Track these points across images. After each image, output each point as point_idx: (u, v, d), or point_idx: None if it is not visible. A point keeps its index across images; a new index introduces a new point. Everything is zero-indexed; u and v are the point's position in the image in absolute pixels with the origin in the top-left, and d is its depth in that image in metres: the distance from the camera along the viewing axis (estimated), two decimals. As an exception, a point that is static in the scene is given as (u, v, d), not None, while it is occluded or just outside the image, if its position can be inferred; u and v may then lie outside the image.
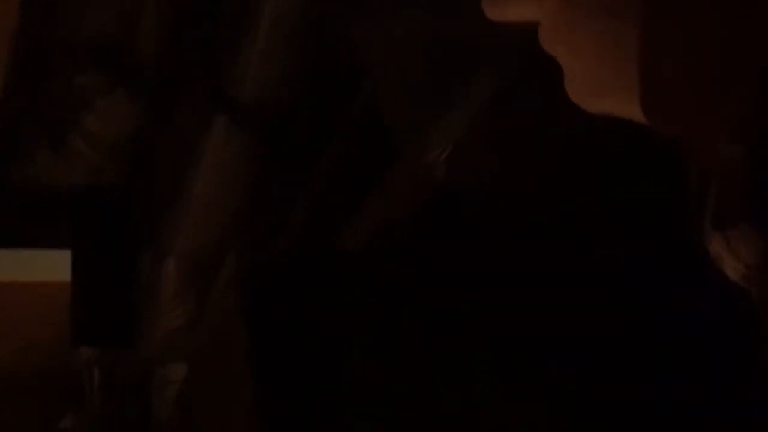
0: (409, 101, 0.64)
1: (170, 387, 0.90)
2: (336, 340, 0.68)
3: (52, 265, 1.00)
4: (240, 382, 0.78)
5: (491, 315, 0.59)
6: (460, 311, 0.60)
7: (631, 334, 0.55)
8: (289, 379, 0.74)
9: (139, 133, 0.96)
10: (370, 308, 0.66)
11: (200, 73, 0.92)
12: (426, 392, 0.63)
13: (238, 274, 0.88)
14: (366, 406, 0.66)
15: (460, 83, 0.60)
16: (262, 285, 0.82)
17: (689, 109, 0.33)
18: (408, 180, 0.65)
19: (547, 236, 0.58)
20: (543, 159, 0.59)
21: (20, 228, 0.97)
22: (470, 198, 0.61)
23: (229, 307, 0.86)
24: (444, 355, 0.61)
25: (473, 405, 0.60)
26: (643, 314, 0.54)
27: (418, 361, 0.63)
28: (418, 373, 0.63)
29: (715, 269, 0.36)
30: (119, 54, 0.98)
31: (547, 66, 0.42)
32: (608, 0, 0.37)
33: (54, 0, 0.94)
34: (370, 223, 0.71)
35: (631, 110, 0.35)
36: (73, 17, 0.96)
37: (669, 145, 0.36)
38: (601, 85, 0.38)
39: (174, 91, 0.97)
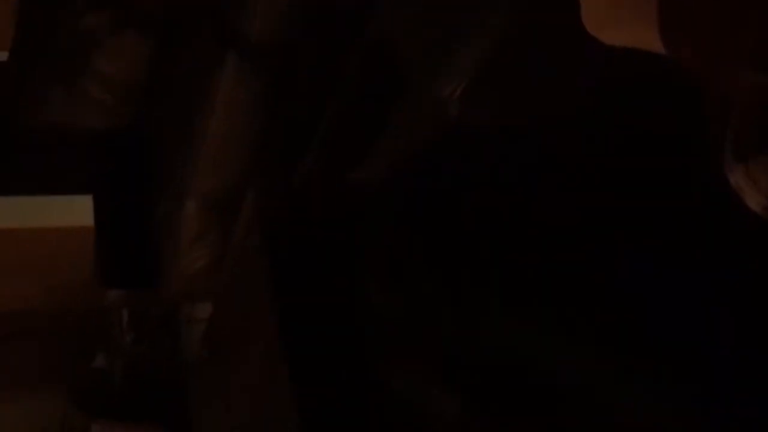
0: (421, 37, 0.63)
1: (196, 325, 0.91)
2: (352, 270, 0.68)
3: (78, 210, 1.01)
4: (263, 318, 0.79)
5: (502, 246, 0.59)
6: (471, 243, 0.60)
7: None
8: (308, 312, 0.75)
9: (150, 72, 0.95)
10: (386, 238, 0.66)
11: (209, 11, 0.90)
12: (438, 317, 0.63)
13: (258, 211, 0.88)
14: (382, 334, 0.67)
15: (473, 20, 0.58)
16: (282, 220, 0.83)
17: (710, 37, 0.32)
18: (421, 116, 0.64)
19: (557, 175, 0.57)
20: (555, 99, 0.58)
21: (42, 174, 0.98)
22: (483, 133, 0.60)
23: (250, 244, 0.86)
24: (455, 281, 0.61)
25: (482, 328, 0.60)
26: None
27: (431, 290, 0.63)
28: (431, 300, 0.63)
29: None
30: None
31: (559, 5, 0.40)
32: None
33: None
34: (383, 157, 0.70)
35: (649, 40, 0.34)
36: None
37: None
38: (618, 15, 0.37)
39: (184, 29, 0.96)
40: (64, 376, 1.07)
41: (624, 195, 0.55)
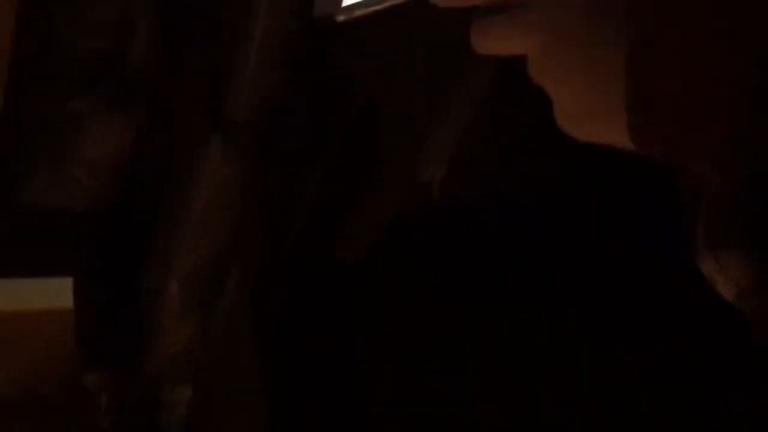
0: (402, 119, 0.64)
1: (178, 408, 0.90)
2: (346, 343, 0.68)
3: (56, 293, 1.00)
4: (249, 400, 0.78)
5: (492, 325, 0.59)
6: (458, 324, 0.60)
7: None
8: (299, 394, 0.74)
9: (135, 154, 0.96)
10: (377, 314, 0.66)
11: (194, 93, 0.92)
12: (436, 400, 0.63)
13: (243, 289, 0.88)
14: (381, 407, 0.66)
15: (451, 100, 0.60)
16: (268, 298, 0.83)
17: (678, 134, 0.33)
18: (403, 197, 0.65)
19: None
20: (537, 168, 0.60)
21: (21, 256, 0.98)
22: (465, 213, 0.61)
23: (235, 323, 0.86)
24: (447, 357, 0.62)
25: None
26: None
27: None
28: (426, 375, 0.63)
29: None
30: (112, 76, 0.98)
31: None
32: (596, 30, 0.37)
33: (47, 23, 0.95)
34: (365, 234, 0.71)
35: (620, 138, 0.36)
36: (66, 40, 0.96)
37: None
38: (590, 113, 0.38)
39: (169, 111, 0.97)
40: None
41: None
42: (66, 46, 0.96)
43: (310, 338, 0.73)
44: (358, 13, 0.52)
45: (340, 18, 0.53)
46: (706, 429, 0.50)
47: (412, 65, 0.59)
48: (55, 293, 0.98)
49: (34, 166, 0.96)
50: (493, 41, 0.42)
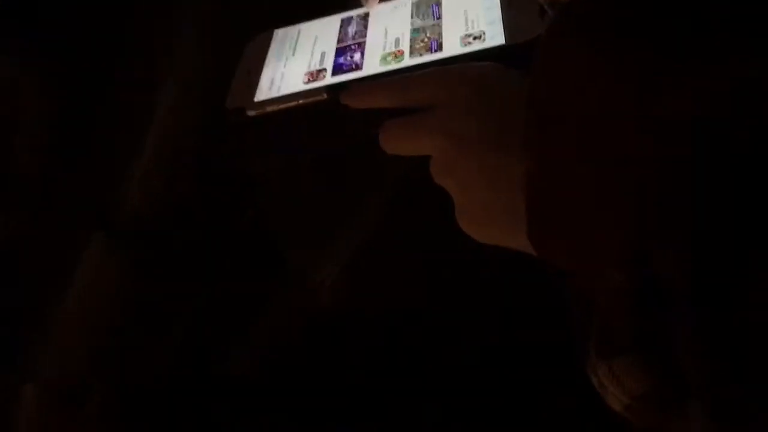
0: (296, 224, 0.64)
1: None
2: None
3: None
4: None
5: None
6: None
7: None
8: None
9: (6, 247, 0.91)
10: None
11: (82, 188, 0.89)
12: None
13: (107, 406, 0.82)
14: None
15: (347, 209, 0.60)
16: (138, 417, 0.77)
17: (574, 239, 0.33)
18: (293, 305, 0.63)
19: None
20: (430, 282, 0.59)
21: None
22: (353, 321, 0.60)
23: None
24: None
25: None
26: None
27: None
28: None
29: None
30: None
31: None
32: (494, 136, 0.38)
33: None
34: (252, 348, 0.68)
35: (518, 241, 0.36)
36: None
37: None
38: (490, 217, 0.39)
39: (53, 206, 0.93)
40: None
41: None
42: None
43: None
44: (270, 109, 0.52)
45: (251, 113, 0.53)
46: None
47: (316, 167, 0.59)
48: None
49: None
50: (400, 142, 0.43)
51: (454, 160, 0.40)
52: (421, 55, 0.50)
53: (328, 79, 0.52)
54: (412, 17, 0.55)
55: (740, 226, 0.27)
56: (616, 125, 0.32)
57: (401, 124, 0.43)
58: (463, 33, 0.51)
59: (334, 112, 0.49)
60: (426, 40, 0.52)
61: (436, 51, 0.50)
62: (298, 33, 0.58)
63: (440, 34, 0.52)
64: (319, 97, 0.51)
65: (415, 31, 0.53)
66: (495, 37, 0.49)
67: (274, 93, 0.53)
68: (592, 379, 0.35)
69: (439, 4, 0.54)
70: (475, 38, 0.50)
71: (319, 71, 0.53)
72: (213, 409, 0.67)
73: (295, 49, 0.56)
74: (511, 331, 0.55)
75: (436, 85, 0.43)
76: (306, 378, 0.60)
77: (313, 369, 0.61)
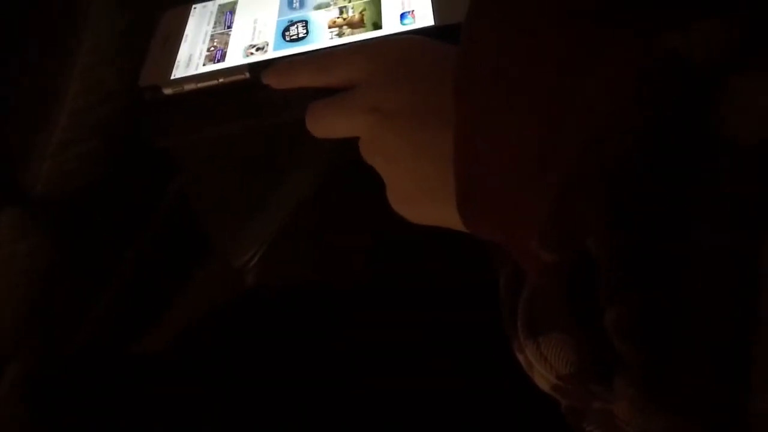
0: (219, 204, 0.62)
1: None
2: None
3: None
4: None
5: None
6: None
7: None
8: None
9: None
10: (174, 417, 0.62)
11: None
12: None
13: (23, 383, 0.80)
14: None
15: (271, 188, 0.59)
16: (50, 394, 0.75)
17: (503, 214, 0.33)
18: (217, 284, 0.62)
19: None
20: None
21: None
22: (279, 300, 0.59)
23: (10, 419, 0.77)
24: None
25: None
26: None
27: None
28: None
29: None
30: None
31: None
32: (421, 109, 0.38)
33: None
34: (174, 325, 0.67)
35: (450, 218, 0.36)
36: None
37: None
38: (421, 193, 0.38)
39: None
40: None
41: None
42: None
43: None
44: (188, 87, 0.50)
45: (167, 91, 0.51)
46: None
47: (238, 147, 0.58)
48: None
49: None
50: (326, 123, 0.43)
51: (381, 136, 0.40)
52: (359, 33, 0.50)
53: (269, 54, 0.50)
54: None
55: (676, 203, 0.27)
56: (546, 90, 0.32)
57: (326, 105, 0.42)
58: (399, 11, 0.51)
59: (257, 92, 0.48)
60: (361, 15, 0.51)
61: (376, 30, 0.50)
62: (235, 5, 0.56)
63: (380, 13, 0.51)
64: (240, 76, 0.50)
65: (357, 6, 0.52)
66: (425, 17, 0.49)
67: (192, 70, 0.51)
68: (519, 358, 0.35)
69: None
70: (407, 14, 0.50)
71: (260, 47, 0.52)
72: (127, 389, 0.65)
73: (231, 21, 0.54)
74: (431, 310, 0.56)
75: (361, 60, 0.42)
76: (227, 358, 0.60)
77: (234, 349, 0.60)
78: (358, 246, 0.56)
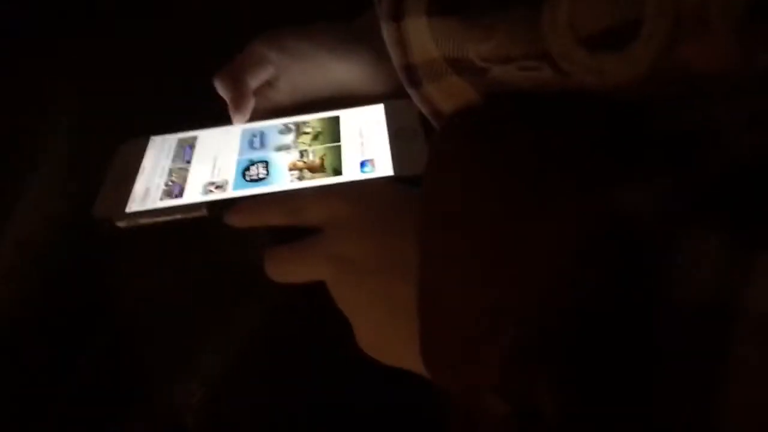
0: (162, 340, 0.60)
1: None
2: None
3: None
4: None
5: None
6: None
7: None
8: None
9: None
10: None
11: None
12: None
13: None
14: None
15: (216, 328, 0.58)
16: None
17: (459, 361, 0.33)
18: (153, 421, 0.59)
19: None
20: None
21: None
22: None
23: None
24: None
25: None
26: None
27: None
28: None
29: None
30: None
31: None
32: (385, 266, 0.38)
33: None
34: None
35: (414, 364, 0.36)
36: None
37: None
38: (387, 342, 0.38)
39: None
40: None
41: None
42: None
43: None
44: (143, 221, 0.50)
45: (121, 224, 0.50)
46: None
47: (188, 283, 0.57)
48: None
49: None
50: (287, 270, 0.42)
51: (345, 285, 0.40)
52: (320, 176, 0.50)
53: (229, 192, 0.51)
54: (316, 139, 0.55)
55: (618, 366, 0.28)
56: (500, 243, 0.32)
57: (288, 251, 0.42)
58: (360, 159, 0.52)
59: (214, 230, 0.47)
60: (321, 161, 0.52)
61: (336, 176, 0.50)
62: (195, 140, 0.56)
63: (340, 159, 0.52)
64: (198, 213, 0.50)
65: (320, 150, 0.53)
66: (385, 167, 0.50)
67: (149, 204, 0.51)
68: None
69: (338, 128, 0.55)
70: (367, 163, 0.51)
71: (219, 185, 0.52)
72: None
73: (191, 156, 0.54)
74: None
75: (329, 205, 0.42)
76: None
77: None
78: (313, 381, 0.55)
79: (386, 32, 0.40)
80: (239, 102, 0.54)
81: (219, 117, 0.56)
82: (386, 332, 0.38)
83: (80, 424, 0.67)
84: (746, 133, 0.31)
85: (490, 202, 0.33)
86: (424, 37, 0.38)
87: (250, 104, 0.55)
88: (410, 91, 0.41)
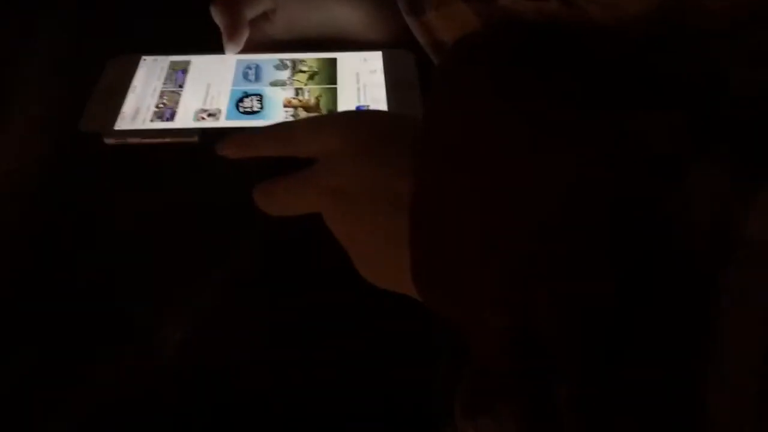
0: (144, 273, 0.59)
1: None
2: None
3: None
4: None
5: None
6: None
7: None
8: None
9: None
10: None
11: None
12: None
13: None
14: None
15: (204, 259, 0.57)
16: None
17: (457, 288, 0.33)
18: (138, 358, 0.58)
19: None
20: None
21: None
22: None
23: None
24: None
25: None
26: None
27: None
28: None
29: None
30: None
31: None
32: (380, 198, 0.38)
33: None
34: (82, 410, 0.62)
35: (412, 289, 0.36)
36: None
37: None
38: (382, 266, 0.39)
39: None
40: None
41: None
42: None
43: None
44: (131, 140, 0.49)
45: (109, 141, 0.49)
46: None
47: (175, 215, 0.56)
48: None
49: None
50: (282, 203, 0.42)
51: (342, 216, 0.40)
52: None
53: (222, 122, 0.50)
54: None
55: (623, 286, 0.28)
56: (508, 165, 0.32)
57: (281, 184, 0.42)
58: (355, 103, 0.52)
59: (205, 156, 0.47)
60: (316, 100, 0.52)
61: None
62: (188, 65, 0.55)
63: (336, 101, 0.52)
64: (189, 139, 0.49)
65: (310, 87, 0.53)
66: None
67: (139, 124, 0.49)
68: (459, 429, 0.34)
69: (335, 70, 0.55)
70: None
71: (212, 113, 0.51)
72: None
73: (183, 81, 0.53)
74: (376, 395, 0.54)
75: (324, 134, 0.42)
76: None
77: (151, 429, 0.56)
78: (290, 320, 0.54)
79: None
80: (233, 31, 0.54)
81: (214, 44, 0.55)
82: (383, 260, 0.38)
83: (62, 359, 0.66)
84: (753, 70, 0.32)
85: (493, 136, 0.33)
86: None
87: (244, 35, 0.54)
88: (409, 20, 0.41)
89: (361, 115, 0.45)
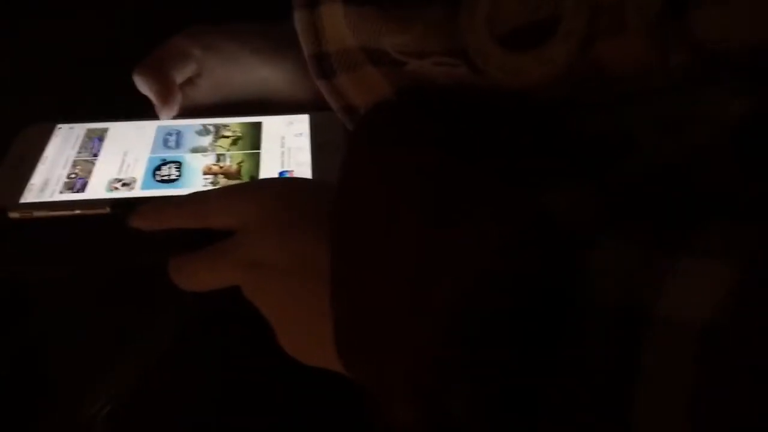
0: (67, 347, 0.57)
1: None
2: None
3: None
4: None
5: None
6: None
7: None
8: None
9: None
10: None
11: None
12: None
13: None
14: None
15: (128, 338, 0.55)
16: None
17: (375, 365, 0.33)
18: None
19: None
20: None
21: None
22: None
23: None
24: None
25: None
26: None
27: None
28: None
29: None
30: None
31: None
32: (298, 268, 0.37)
33: None
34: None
35: (337, 365, 0.35)
36: None
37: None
38: (305, 340, 0.38)
39: None
40: None
41: None
42: None
43: None
44: (38, 213, 0.47)
45: (14, 215, 0.47)
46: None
47: (92, 286, 0.54)
48: None
49: None
50: (197, 278, 0.40)
51: (261, 290, 0.38)
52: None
53: (136, 191, 0.48)
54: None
55: (535, 365, 0.27)
56: (416, 242, 0.31)
57: (195, 260, 0.40)
58: (279, 169, 0.50)
59: (117, 228, 0.45)
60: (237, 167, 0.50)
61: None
62: (105, 132, 0.53)
63: (258, 167, 0.50)
64: (100, 210, 0.47)
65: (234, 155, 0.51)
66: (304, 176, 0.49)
67: (47, 196, 0.48)
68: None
69: (260, 135, 0.53)
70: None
71: (126, 182, 0.49)
72: None
73: (99, 149, 0.51)
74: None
75: (237, 206, 0.40)
76: None
77: None
78: (227, 390, 0.52)
79: (298, 20, 0.39)
80: (166, 95, 0.52)
81: (132, 111, 0.53)
82: (306, 333, 0.37)
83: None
84: (662, 137, 0.31)
85: (408, 206, 0.32)
86: (339, 26, 0.37)
87: (178, 98, 0.53)
88: (320, 83, 0.40)
89: (277, 183, 0.44)
